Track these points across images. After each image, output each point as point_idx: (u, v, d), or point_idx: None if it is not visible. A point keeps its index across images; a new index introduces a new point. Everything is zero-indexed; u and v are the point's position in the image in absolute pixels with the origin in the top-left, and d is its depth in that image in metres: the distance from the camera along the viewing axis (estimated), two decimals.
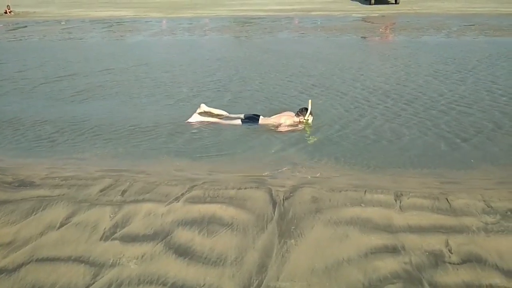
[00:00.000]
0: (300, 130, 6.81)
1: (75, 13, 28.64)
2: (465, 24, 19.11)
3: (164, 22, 23.70)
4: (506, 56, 12.09)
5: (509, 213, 3.92)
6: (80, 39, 18.14)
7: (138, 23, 23.32)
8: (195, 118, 7.25)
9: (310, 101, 7.00)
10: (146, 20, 24.42)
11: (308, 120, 6.89)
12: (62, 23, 23.89)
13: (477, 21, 19.88)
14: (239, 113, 7.31)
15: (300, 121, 6.91)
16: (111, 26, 22.40)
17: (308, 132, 6.75)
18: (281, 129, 6.81)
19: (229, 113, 7.40)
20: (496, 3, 27.56)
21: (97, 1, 38.03)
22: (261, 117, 7.08)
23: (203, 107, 7.55)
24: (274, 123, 6.95)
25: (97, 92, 9.44)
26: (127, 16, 26.34)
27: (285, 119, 6.94)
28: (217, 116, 7.34)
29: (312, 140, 6.48)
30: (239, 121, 7.08)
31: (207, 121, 7.16)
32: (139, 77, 10.74)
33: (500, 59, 11.78)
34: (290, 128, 6.82)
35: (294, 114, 7.01)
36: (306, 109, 6.89)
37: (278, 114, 7.10)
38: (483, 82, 9.41)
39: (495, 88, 8.85)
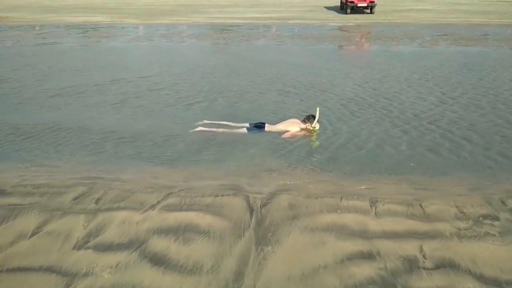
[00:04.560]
0: (306, 136, 6.84)
1: (50, 18, 28.14)
2: (438, 34, 19.58)
3: (141, 28, 23.52)
4: (477, 65, 12.42)
5: (481, 219, 4.01)
6: (54, 44, 17.83)
7: (114, 29, 23.06)
8: (200, 128, 7.17)
9: (318, 108, 7.02)
10: (122, 26, 24.17)
11: (315, 127, 6.93)
12: (36, 28, 23.43)
13: (450, 31, 20.40)
14: (244, 122, 7.26)
15: (306, 128, 6.94)
16: (86, 31, 22.11)
17: (314, 139, 6.79)
18: (285, 135, 6.84)
19: (233, 123, 7.33)
20: (467, 13, 28.38)
21: (72, 6, 37.54)
22: (266, 124, 7.08)
23: (205, 121, 7.45)
24: (281, 130, 6.96)
25: (71, 99, 9.26)
26: (103, 22, 26.02)
27: (292, 126, 6.97)
28: (222, 126, 7.26)
29: (317, 146, 6.56)
30: (244, 130, 7.05)
31: (212, 131, 7.07)
32: (115, 83, 10.59)
33: (471, 68, 12.09)
34: (296, 135, 6.86)
35: (300, 121, 7.04)
36: (314, 117, 6.93)
37: (285, 121, 7.11)
38: (454, 91, 9.64)
39: (466, 97, 9.08)
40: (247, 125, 7.13)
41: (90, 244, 3.69)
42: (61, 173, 5.50)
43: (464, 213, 4.15)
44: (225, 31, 21.66)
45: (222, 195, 4.57)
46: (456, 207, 4.28)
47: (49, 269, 3.34)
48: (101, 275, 3.28)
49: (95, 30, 22.61)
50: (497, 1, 38.33)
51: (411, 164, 5.87)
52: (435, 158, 6.06)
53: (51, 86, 10.30)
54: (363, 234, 3.79)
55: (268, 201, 4.41)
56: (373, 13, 29.19)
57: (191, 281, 3.21)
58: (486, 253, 3.45)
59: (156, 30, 22.08)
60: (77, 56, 14.94)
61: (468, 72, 11.60)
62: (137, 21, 26.77)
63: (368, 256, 3.47)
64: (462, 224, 3.93)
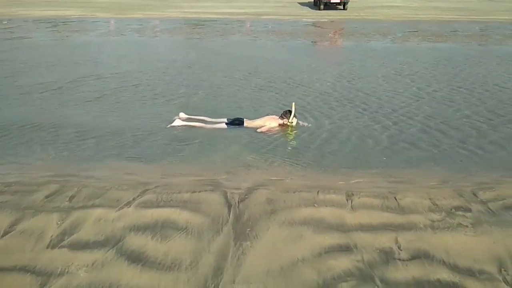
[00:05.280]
0: (283, 132, 6.87)
1: (18, 12, 27.26)
2: (409, 30, 19.92)
3: (112, 22, 23.09)
4: (448, 61, 12.71)
5: (453, 210, 4.10)
6: (23, 38, 17.33)
7: (84, 23, 22.56)
8: (177, 122, 7.08)
9: (293, 103, 7.06)
10: (93, 20, 23.67)
11: (292, 122, 6.94)
12: (3, 22, 22.70)
13: (421, 27, 20.78)
14: (221, 118, 7.21)
15: (284, 124, 6.94)
16: (56, 25, 21.55)
17: (291, 135, 6.80)
18: (261, 129, 6.84)
19: (211, 118, 7.27)
20: (438, 10, 28.99)
21: (41, 0, 36.53)
22: (245, 120, 7.06)
23: (182, 115, 7.37)
24: (259, 126, 6.96)
25: (42, 96, 9.02)
26: (73, 16, 25.41)
27: (270, 122, 6.97)
28: (199, 121, 7.20)
29: (294, 141, 6.62)
30: (223, 125, 7.01)
31: (190, 125, 7.01)
32: (87, 79, 10.38)
33: (443, 63, 12.37)
34: (274, 130, 6.86)
35: (278, 117, 7.03)
36: (290, 112, 6.94)
37: (263, 117, 7.13)
38: (427, 86, 9.84)
39: (438, 92, 9.29)
40: (225, 120, 7.10)
41: (64, 242, 3.60)
42: (33, 170, 5.36)
43: (437, 205, 4.23)
44: (199, 26, 21.49)
45: (200, 191, 4.53)
46: (429, 199, 4.37)
47: (23, 269, 3.25)
48: (77, 274, 3.21)
49: (65, 24, 22.07)
50: None
51: (384, 158, 5.97)
52: (408, 152, 6.19)
53: (22, 83, 9.99)
54: (340, 227, 3.83)
55: (246, 196, 4.40)
56: (346, 10, 29.46)
57: (169, 278, 3.18)
58: (459, 244, 3.54)
59: (127, 25, 21.71)
60: (47, 51, 14.54)
61: (440, 67, 11.87)
62: (108, 15, 26.25)
63: (345, 249, 3.51)
64: (435, 216, 4.01)
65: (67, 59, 13.02)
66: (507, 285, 3.06)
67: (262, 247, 3.54)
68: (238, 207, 4.19)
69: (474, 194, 4.46)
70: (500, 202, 4.25)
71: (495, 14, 26.83)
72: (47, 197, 4.41)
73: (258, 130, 6.82)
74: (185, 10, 29.00)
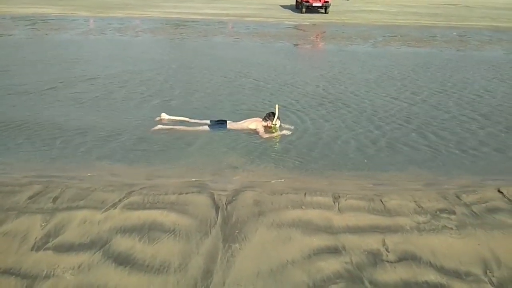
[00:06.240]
0: (267, 134, 6.86)
1: None
2: (389, 34, 20.20)
3: (91, 21, 22.80)
4: (428, 66, 12.93)
5: (438, 213, 4.17)
6: (0, 36, 16.96)
7: (64, 21, 22.22)
8: (160, 126, 7.00)
9: (277, 105, 7.06)
10: (73, 19, 23.33)
11: (275, 124, 6.93)
12: None
13: (400, 32, 21.10)
14: (204, 119, 7.16)
15: (268, 126, 6.93)
16: (35, 23, 21.15)
17: (276, 137, 6.82)
18: (262, 135, 6.77)
19: (193, 119, 7.22)
20: (417, 15, 29.49)
21: None
22: (228, 122, 7.02)
23: (164, 116, 7.31)
24: (242, 128, 6.93)
25: (24, 96, 8.83)
26: (53, 14, 25.00)
27: (254, 125, 6.95)
28: (181, 122, 7.13)
29: (278, 143, 6.60)
30: (206, 127, 6.95)
31: (173, 129, 6.93)
32: (70, 79, 10.21)
33: (424, 68, 12.58)
34: (267, 134, 6.80)
35: (261, 119, 7.02)
36: (273, 114, 6.93)
37: (246, 120, 7.09)
38: (409, 90, 9.99)
39: (420, 96, 9.44)
40: (208, 122, 7.07)
41: (49, 244, 3.52)
42: (15, 171, 5.24)
43: (422, 207, 4.29)
44: (181, 27, 21.37)
45: (186, 193, 4.49)
46: (414, 201, 4.42)
47: (7, 272, 3.16)
48: (63, 276, 3.14)
49: (44, 22, 21.68)
50: (444, 4, 40.11)
51: (365, 160, 6.04)
52: (391, 154, 6.27)
53: (3, 83, 9.77)
54: (328, 229, 3.85)
55: (233, 198, 4.38)
56: (327, 13, 29.76)
57: (158, 280, 3.14)
58: (445, 246, 3.59)
59: (108, 24, 21.47)
60: (27, 50, 14.27)
61: (422, 72, 12.06)
62: (89, 13, 25.92)
63: (334, 251, 3.53)
64: (421, 218, 4.06)
65: (49, 59, 12.78)
66: (493, 287, 3.12)
67: (251, 249, 3.52)
68: (226, 209, 4.17)
69: (458, 197, 4.53)
70: (483, 205, 4.34)
71: (473, 20, 27.43)
72: (30, 198, 4.32)
73: (263, 137, 6.72)
74: (167, 10, 28.84)
